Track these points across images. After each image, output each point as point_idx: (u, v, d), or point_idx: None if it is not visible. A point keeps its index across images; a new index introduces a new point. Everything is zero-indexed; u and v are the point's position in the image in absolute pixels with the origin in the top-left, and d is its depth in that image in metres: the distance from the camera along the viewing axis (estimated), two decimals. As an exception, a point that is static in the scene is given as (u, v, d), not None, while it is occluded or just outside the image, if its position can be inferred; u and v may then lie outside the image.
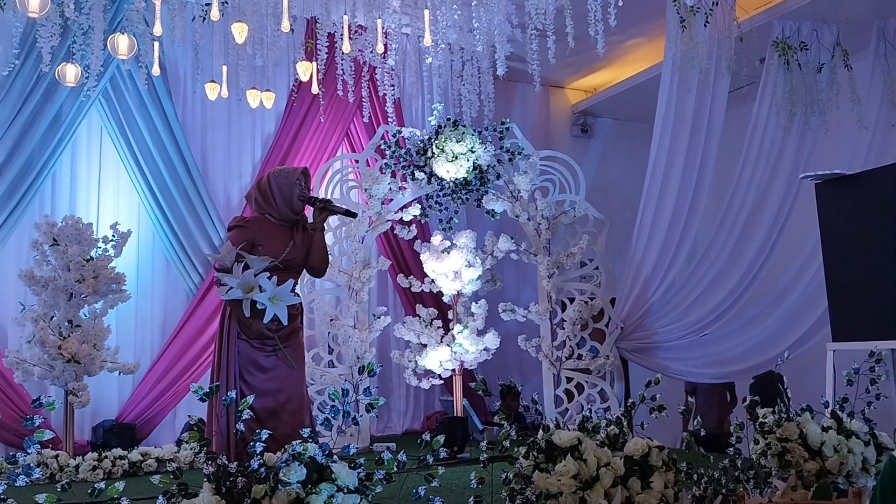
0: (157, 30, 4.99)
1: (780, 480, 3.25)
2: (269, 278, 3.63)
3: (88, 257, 5.44)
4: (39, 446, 2.23)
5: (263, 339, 3.70)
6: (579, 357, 6.38)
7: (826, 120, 6.06)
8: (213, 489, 2.25)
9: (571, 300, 6.50)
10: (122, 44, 5.14)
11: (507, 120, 6.70)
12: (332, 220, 6.35)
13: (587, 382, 6.35)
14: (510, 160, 6.58)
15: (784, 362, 3.93)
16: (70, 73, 5.38)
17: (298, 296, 3.96)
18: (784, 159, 6.11)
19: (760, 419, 3.35)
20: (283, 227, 3.91)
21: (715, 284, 6.16)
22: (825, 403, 3.56)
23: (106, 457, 5.03)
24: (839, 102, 6.14)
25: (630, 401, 3.19)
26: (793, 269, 6.02)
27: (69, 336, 5.31)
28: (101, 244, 5.56)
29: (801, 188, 5.92)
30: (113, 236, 5.63)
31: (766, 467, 3.31)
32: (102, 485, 2.24)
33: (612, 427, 3.05)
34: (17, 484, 2.18)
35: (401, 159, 6.49)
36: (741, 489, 3.07)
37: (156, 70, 5.60)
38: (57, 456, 4.96)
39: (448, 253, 6.37)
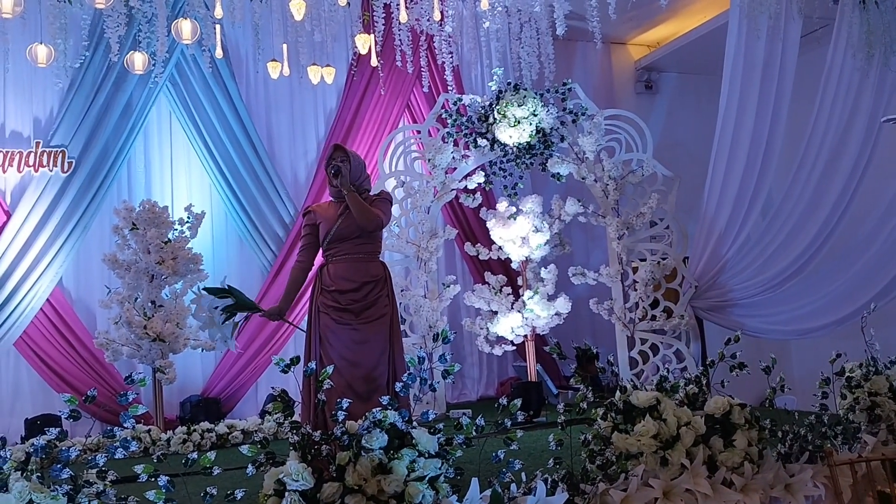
0: (218, 12, 5.04)
1: (870, 435, 3.16)
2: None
3: (166, 239, 5.64)
4: (134, 421, 2.33)
5: (339, 311, 3.79)
6: (653, 318, 6.29)
7: (907, 59, 5.75)
8: (300, 457, 2.31)
9: (643, 261, 6.39)
10: (186, 29, 5.22)
11: (569, 80, 6.58)
12: (398, 193, 6.40)
13: (662, 343, 6.26)
14: (574, 121, 6.47)
15: (870, 315, 3.79)
16: (138, 61, 5.51)
17: (383, 265, 4.02)
18: (862, 103, 5.82)
19: (847, 374, 3.26)
20: (337, 203, 4.02)
21: (792, 237, 5.95)
22: (916, 355, 3.44)
23: (195, 430, 5.25)
24: (921, 40, 5.81)
25: (709, 359, 3.14)
26: (875, 217, 5.76)
27: (153, 316, 5.53)
28: (177, 226, 5.76)
29: (882, 132, 5.65)
30: (188, 218, 5.81)
31: (855, 422, 3.23)
32: (195, 454, 2.33)
33: (690, 386, 3.01)
34: (115, 457, 2.29)
35: (462, 127, 6.46)
36: (829, 445, 3.00)
37: (219, 53, 5.69)
38: (149, 431, 5.19)
39: (514, 219, 6.34)
